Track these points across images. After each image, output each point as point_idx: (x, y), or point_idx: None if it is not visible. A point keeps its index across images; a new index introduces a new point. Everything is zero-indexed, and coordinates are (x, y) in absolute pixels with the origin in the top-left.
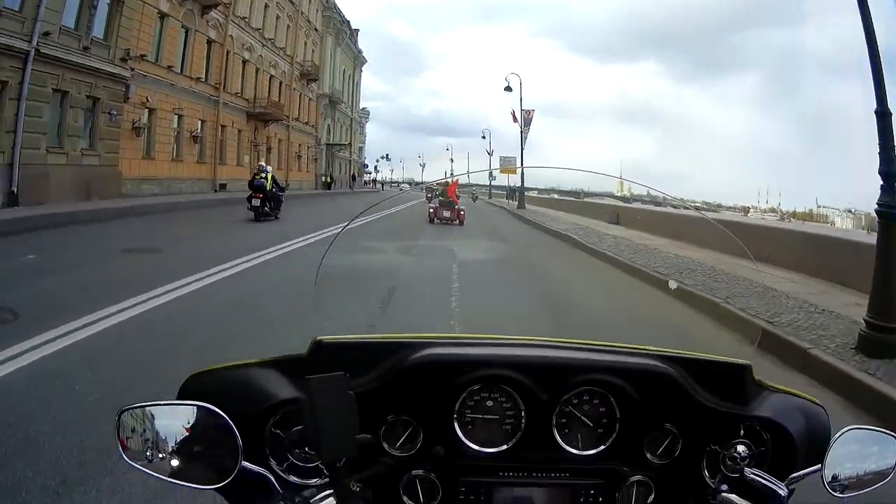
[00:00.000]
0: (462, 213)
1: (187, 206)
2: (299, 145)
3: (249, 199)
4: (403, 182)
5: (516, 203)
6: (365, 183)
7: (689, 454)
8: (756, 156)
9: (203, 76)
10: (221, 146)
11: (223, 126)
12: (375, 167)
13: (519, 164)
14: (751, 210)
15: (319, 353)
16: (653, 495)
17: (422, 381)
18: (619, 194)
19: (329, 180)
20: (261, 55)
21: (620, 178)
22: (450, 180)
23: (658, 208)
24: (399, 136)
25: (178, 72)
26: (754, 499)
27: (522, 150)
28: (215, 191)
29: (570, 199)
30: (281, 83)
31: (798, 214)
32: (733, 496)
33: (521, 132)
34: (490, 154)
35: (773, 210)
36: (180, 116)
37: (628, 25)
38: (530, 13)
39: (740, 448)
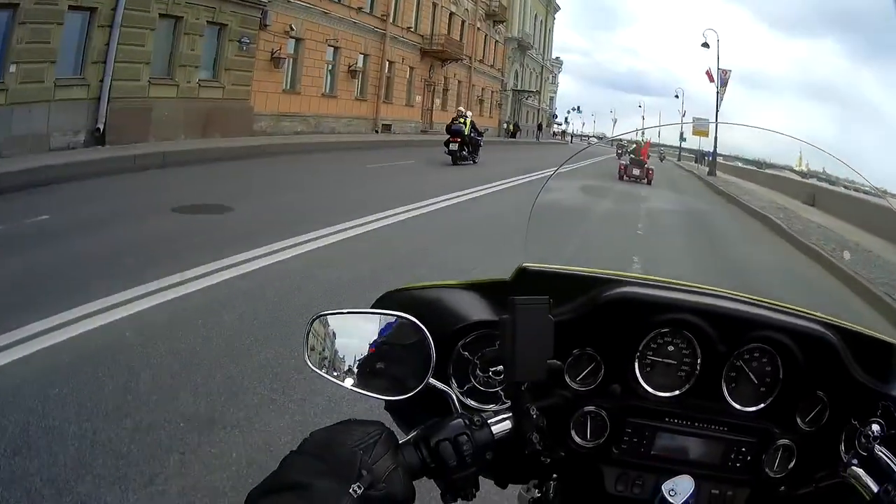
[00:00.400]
0: (651, 171)
1: (340, 147)
2: (482, 89)
3: (447, 144)
4: (592, 136)
5: (706, 169)
6: (553, 134)
7: (834, 425)
8: None
9: (367, 6)
10: (388, 84)
11: (391, 62)
12: (566, 118)
13: (713, 127)
14: None
15: (522, 279)
16: (794, 461)
17: (614, 318)
18: (797, 168)
19: (513, 128)
20: None
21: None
22: (642, 140)
23: (833, 187)
24: (592, 91)
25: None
26: (879, 478)
27: (717, 111)
28: (376, 132)
29: (752, 168)
30: (463, 21)
31: None
32: (861, 471)
33: (717, 93)
34: (682, 115)
35: None
36: (336, 48)
37: None
38: None
39: (874, 426)
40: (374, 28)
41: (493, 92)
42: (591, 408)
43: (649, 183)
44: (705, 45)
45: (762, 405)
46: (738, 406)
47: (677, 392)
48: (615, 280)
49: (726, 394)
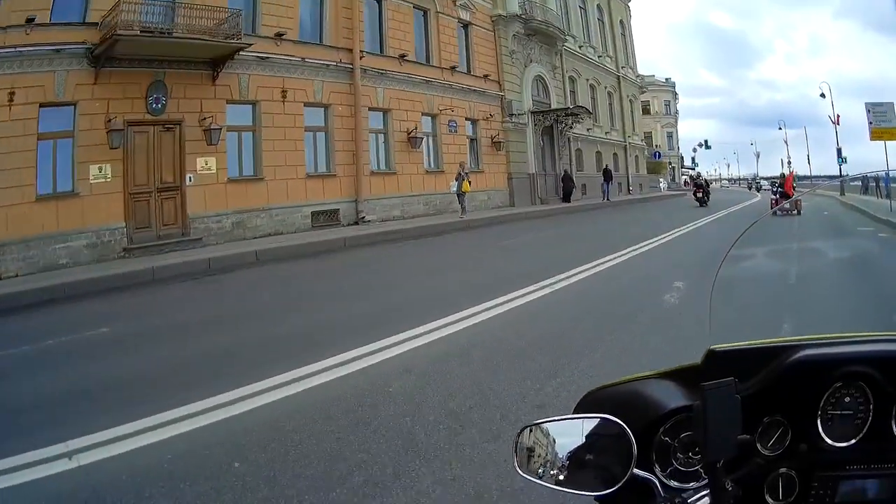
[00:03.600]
0: (799, 201)
1: None
2: (438, 114)
3: (695, 194)
4: (724, 179)
5: None
6: (685, 183)
7: None
8: None
9: None
10: None
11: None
12: (693, 159)
13: None
14: None
15: (711, 361)
16: None
17: (795, 382)
18: None
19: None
20: None
21: None
22: (785, 172)
23: None
24: (737, 130)
25: None
26: None
27: None
28: None
29: None
30: None
31: None
32: None
33: None
34: (836, 122)
35: None
36: None
37: None
38: None
39: None
40: None
41: (476, 120)
42: (783, 469)
43: (799, 213)
44: None
45: None
46: None
47: (854, 440)
48: (793, 346)
49: None
